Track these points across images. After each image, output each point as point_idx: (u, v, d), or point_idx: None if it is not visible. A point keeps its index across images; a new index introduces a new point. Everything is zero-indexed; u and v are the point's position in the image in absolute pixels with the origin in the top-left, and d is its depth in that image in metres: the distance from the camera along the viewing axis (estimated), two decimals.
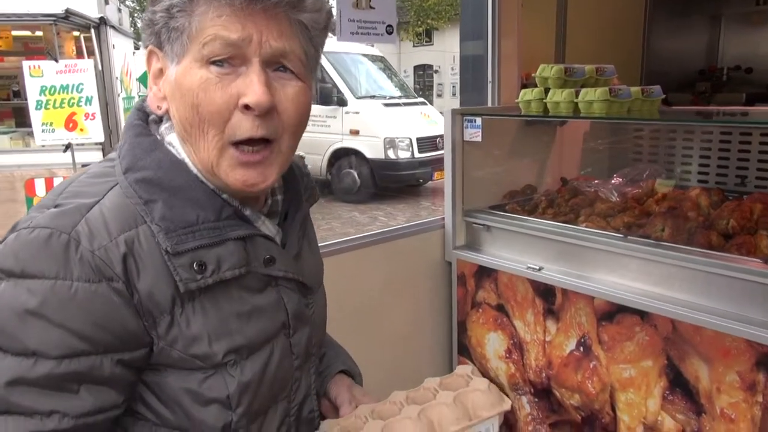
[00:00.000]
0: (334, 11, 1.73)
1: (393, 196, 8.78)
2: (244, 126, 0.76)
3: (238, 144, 0.77)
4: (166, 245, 0.75)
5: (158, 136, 0.84)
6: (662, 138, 2.46)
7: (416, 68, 26.90)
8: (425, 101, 10.04)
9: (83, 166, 6.12)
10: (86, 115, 5.59)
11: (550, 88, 1.91)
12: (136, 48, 8.78)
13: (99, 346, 0.72)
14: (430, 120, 9.21)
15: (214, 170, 0.79)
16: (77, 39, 7.16)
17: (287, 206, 0.95)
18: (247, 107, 0.75)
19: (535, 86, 1.96)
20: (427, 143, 8.76)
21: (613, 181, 2.16)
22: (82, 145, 5.95)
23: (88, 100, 5.59)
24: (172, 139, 0.83)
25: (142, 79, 9.85)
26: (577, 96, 1.82)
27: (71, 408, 0.71)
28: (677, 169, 2.42)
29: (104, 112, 6.26)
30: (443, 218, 2.15)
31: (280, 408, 0.91)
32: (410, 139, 8.55)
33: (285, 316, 0.88)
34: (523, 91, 1.99)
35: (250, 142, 0.77)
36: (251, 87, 0.74)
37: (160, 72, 0.81)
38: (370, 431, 0.96)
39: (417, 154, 8.60)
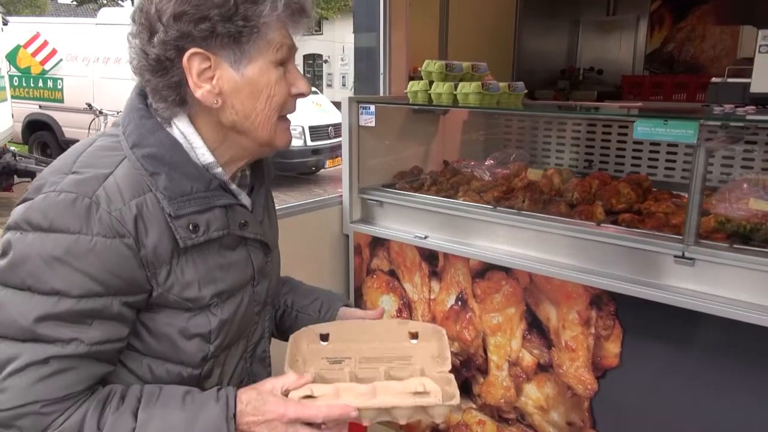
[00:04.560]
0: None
1: (286, 184, 8.88)
2: (293, 107, 1.04)
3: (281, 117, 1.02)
4: (168, 210, 0.93)
5: (159, 119, 0.99)
6: (527, 127, 2.86)
7: (306, 57, 26.79)
8: (317, 90, 10.18)
9: None
10: None
11: (433, 81, 2.18)
12: (4, 23, 8.14)
13: (111, 289, 0.90)
14: (321, 109, 9.39)
15: (271, 140, 1.02)
16: None
17: (254, 181, 1.15)
18: (298, 95, 1.02)
19: (421, 79, 2.23)
20: (320, 132, 8.94)
21: (486, 163, 2.51)
22: None
23: None
24: (180, 122, 0.99)
25: (11, 57, 9.14)
26: (455, 89, 2.11)
27: (86, 337, 0.89)
28: (539, 153, 2.82)
29: None
30: (341, 195, 2.38)
31: (241, 345, 1.13)
32: (303, 128, 8.69)
33: (252, 270, 1.09)
34: (410, 82, 2.25)
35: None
36: (300, 81, 1.02)
37: (205, 71, 0.94)
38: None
39: (309, 143, 8.76)
